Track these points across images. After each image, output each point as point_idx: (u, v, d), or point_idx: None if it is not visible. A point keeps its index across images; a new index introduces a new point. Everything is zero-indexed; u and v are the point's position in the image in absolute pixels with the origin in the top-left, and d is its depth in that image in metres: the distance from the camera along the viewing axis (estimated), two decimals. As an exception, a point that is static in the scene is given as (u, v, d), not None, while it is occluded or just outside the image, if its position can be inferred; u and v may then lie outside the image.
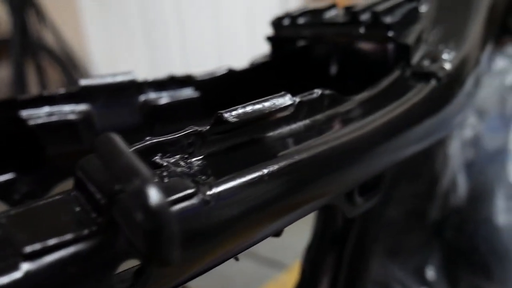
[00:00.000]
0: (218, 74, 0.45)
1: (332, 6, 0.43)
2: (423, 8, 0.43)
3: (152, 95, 0.42)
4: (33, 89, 2.11)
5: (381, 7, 0.37)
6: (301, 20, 0.43)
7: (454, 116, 0.39)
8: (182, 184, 0.19)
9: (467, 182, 0.56)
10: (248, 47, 2.61)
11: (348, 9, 0.40)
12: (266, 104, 0.24)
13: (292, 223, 0.26)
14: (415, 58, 0.37)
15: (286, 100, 0.25)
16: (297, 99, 0.28)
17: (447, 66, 0.35)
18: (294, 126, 0.27)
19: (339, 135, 0.29)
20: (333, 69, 0.45)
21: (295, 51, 0.47)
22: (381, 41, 0.37)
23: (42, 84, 2.06)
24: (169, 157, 0.22)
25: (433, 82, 0.34)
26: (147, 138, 0.21)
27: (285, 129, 0.27)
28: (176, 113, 0.43)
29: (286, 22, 0.44)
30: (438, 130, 0.38)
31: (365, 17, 0.38)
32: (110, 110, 0.39)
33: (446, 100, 0.36)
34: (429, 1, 0.44)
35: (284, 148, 0.26)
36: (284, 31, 0.45)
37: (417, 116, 0.33)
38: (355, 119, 0.30)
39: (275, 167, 0.24)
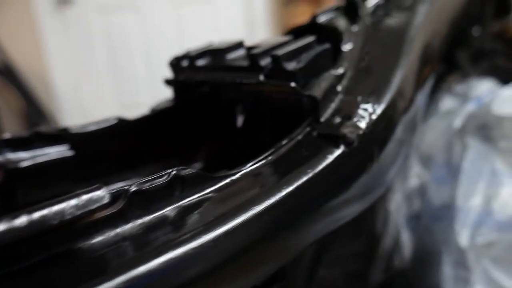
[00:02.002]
0: (102, 126, 0.37)
1: (238, 44, 0.36)
2: (346, 48, 0.37)
3: (10, 156, 0.34)
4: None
5: (283, 50, 0.30)
6: (200, 62, 0.36)
7: (379, 176, 0.32)
8: None
9: (412, 242, 0.49)
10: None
11: (250, 50, 0.33)
12: (59, 207, 0.16)
13: None
14: (327, 113, 0.30)
15: (97, 197, 0.17)
16: (133, 188, 0.20)
17: (363, 124, 0.28)
18: (127, 227, 0.19)
19: (204, 229, 0.21)
20: (242, 118, 0.37)
21: (200, 96, 0.39)
22: (282, 91, 0.30)
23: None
24: None
25: (341, 147, 0.27)
26: None
27: (109, 236, 0.19)
28: (44, 177, 0.34)
29: (185, 63, 0.37)
30: (360, 197, 0.31)
31: (265, 61, 0.31)
32: None
33: (362, 164, 0.28)
34: (354, 40, 0.37)
35: (102, 268, 0.18)
36: (183, 74, 0.37)
37: (321, 191, 0.26)
38: (229, 204, 0.22)
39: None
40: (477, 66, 0.59)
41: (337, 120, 0.29)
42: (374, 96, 0.31)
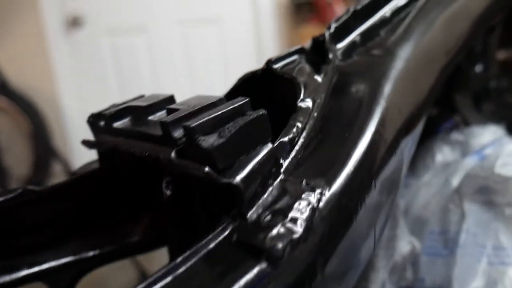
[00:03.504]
0: (2, 199, 0.30)
1: (166, 101, 0.29)
2: (304, 105, 0.29)
3: None
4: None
5: (199, 119, 0.22)
6: (117, 123, 0.29)
7: (336, 278, 0.24)
8: None
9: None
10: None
11: (169, 112, 0.26)
12: None
13: None
14: (258, 204, 0.22)
15: None
16: None
17: (300, 225, 0.21)
18: None
19: None
20: (170, 190, 0.30)
21: (123, 162, 0.32)
22: (195, 175, 0.22)
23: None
24: None
25: (264, 263, 0.19)
26: None
27: None
28: None
29: (102, 123, 0.30)
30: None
31: (179, 133, 0.23)
32: None
33: (295, 284, 0.20)
34: (315, 94, 0.30)
35: None
36: (99, 136, 0.30)
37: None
38: None
39: None
40: (480, 110, 0.51)
41: (267, 218, 0.21)
42: (325, 178, 0.23)
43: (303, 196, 0.22)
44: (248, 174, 0.22)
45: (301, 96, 0.30)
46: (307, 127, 0.28)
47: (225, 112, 0.23)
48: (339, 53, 0.35)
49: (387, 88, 0.30)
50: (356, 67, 0.33)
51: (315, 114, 0.29)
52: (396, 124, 0.30)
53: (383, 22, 0.39)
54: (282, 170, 0.24)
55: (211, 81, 2.48)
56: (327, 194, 0.23)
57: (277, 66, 0.33)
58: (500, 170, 0.38)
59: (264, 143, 0.24)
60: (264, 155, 0.23)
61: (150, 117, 0.28)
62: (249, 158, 0.23)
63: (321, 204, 0.22)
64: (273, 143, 0.25)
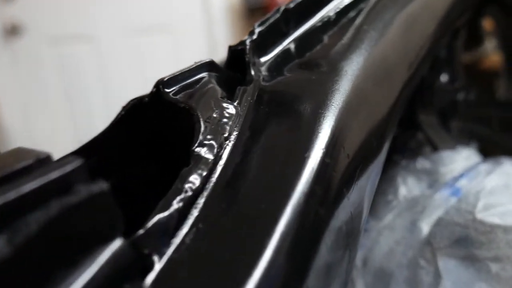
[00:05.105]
0: None
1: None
2: (205, 156, 0.19)
3: None
4: None
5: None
6: None
7: None
8: None
9: None
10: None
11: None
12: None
13: None
14: None
15: None
16: None
17: None
18: None
19: None
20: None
21: None
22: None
23: None
24: None
25: None
26: None
27: None
28: None
29: None
30: None
31: None
32: None
33: None
34: (221, 137, 0.20)
35: None
36: None
37: None
38: None
39: None
40: (448, 128, 0.42)
41: None
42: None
43: None
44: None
45: (200, 138, 0.19)
46: (205, 192, 0.17)
47: (28, 193, 0.12)
48: (264, 68, 0.25)
49: (329, 124, 0.20)
50: (287, 89, 0.23)
51: (221, 168, 0.18)
52: (343, 174, 0.20)
53: (326, 24, 0.30)
54: (145, 284, 0.14)
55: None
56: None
57: (171, 89, 0.22)
58: (482, 215, 0.29)
59: (105, 242, 0.13)
60: (103, 266, 0.13)
61: None
62: (69, 277, 0.12)
63: None
64: (131, 233, 0.14)
